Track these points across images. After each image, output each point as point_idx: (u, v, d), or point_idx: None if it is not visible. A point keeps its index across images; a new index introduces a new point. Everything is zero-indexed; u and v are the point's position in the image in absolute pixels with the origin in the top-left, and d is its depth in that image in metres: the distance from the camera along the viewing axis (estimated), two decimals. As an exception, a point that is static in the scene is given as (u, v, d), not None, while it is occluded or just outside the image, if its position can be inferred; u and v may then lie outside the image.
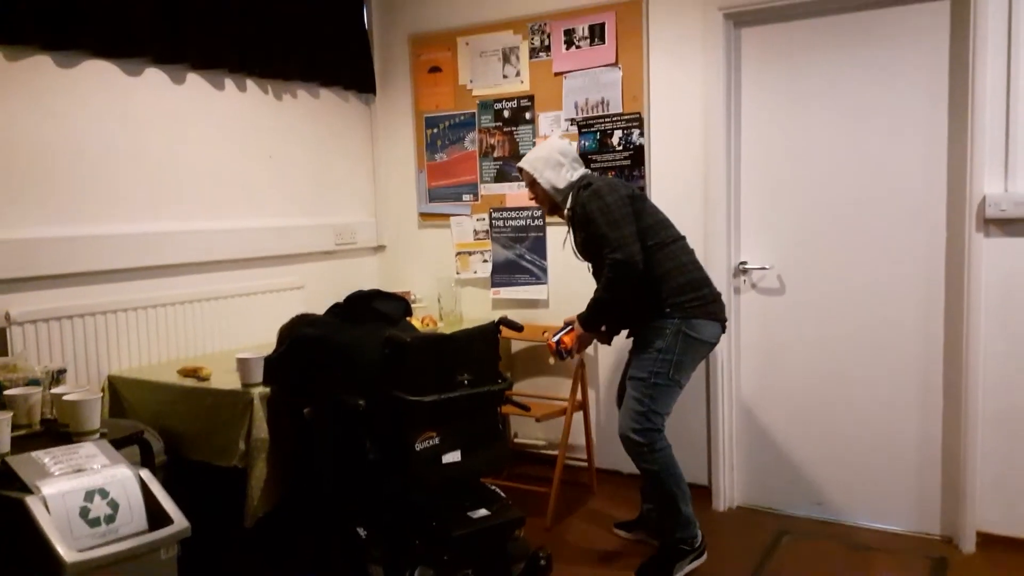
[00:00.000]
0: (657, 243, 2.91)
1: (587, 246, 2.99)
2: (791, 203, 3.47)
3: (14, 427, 2.20)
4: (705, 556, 3.05)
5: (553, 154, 3.02)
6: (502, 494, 2.73)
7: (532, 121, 3.94)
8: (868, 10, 3.24)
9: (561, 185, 2.99)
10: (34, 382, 2.48)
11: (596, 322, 3.03)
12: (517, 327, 3.06)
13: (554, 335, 3.10)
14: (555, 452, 3.74)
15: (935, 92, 3.16)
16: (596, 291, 2.95)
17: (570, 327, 3.08)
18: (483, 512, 2.62)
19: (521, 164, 3.10)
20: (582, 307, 3.03)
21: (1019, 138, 2.94)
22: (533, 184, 3.06)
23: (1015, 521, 3.07)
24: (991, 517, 3.10)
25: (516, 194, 3.99)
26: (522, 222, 4.01)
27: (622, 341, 3.22)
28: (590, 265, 3.06)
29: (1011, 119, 2.94)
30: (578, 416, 3.73)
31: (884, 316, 3.32)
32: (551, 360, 2.98)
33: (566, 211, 3.02)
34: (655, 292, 2.88)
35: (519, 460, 4.11)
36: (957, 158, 3.11)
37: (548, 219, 3.86)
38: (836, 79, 3.33)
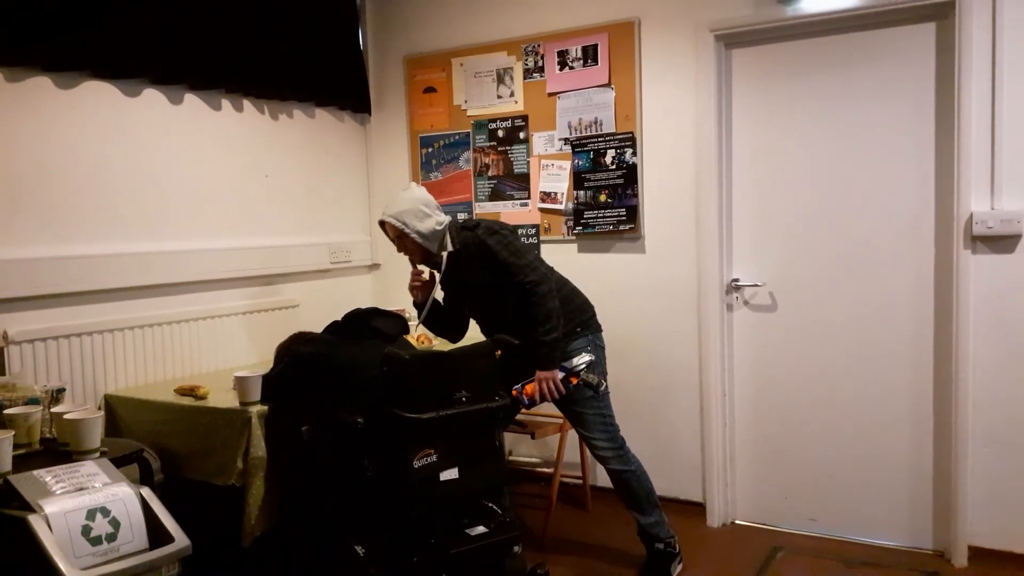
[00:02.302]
0: (548, 270, 3.03)
1: (487, 282, 2.94)
2: (782, 221, 3.52)
3: (14, 446, 2.20)
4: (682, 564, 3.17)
5: (417, 206, 2.95)
6: (499, 511, 2.74)
7: (526, 140, 3.99)
8: (855, 31, 3.31)
9: (429, 233, 2.95)
10: (33, 401, 2.48)
11: (552, 350, 2.87)
12: (513, 344, 3.08)
13: (516, 386, 2.92)
14: (550, 470, 3.75)
15: (922, 111, 3.22)
16: (536, 322, 2.84)
17: (530, 379, 2.91)
18: (481, 529, 2.63)
19: (385, 219, 2.96)
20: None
21: (1005, 156, 3.00)
22: (401, 237, 2.96)
23: (1006, 535, 3.10)
24: (982, 531, 3.13)
25: (511, 212, 4.03)
26: (516, 240, 4.04)
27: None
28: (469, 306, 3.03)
29: (996, 137, 3.00)
30: (572, 434, 3.74)
31: (875, 332, 3.36)
32: (522, 408, 2.99)
33: (446, 254, 2.97)
34: (563, 315, 2.93)
35: (514, 478, 4.11)
36: (944, 176, 3.17)
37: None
38: (825, 99, 3.39)
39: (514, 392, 2.90)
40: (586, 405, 3.01)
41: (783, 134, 3.49)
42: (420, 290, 3.09)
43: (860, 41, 3.31)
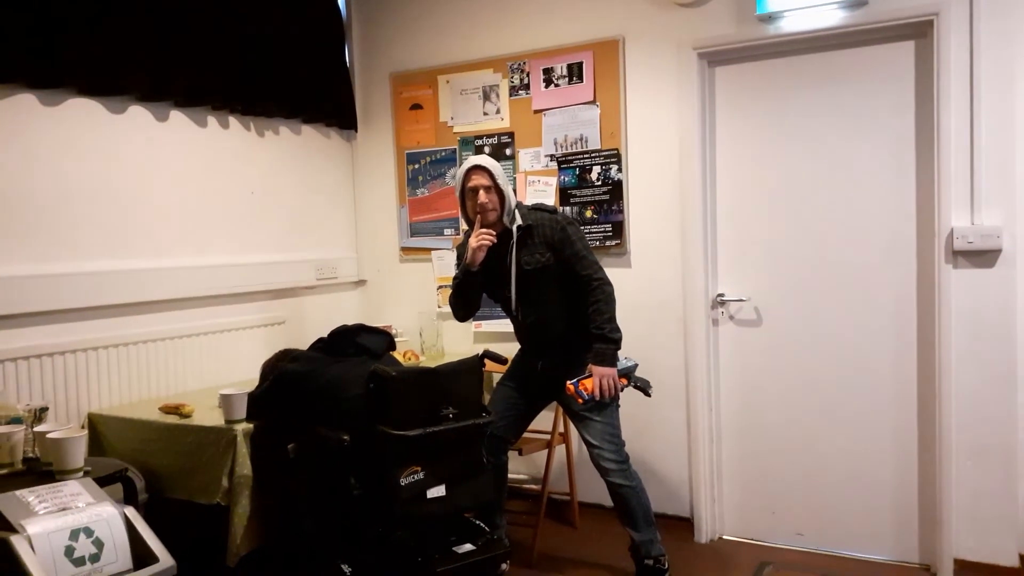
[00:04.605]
0: None
1: (543, 265, 2.95)
2: (767, 236, 3.55)
3: (-4, 466, 2.19)
4: None
5: (502, 171, 3.00)
6: (488, 528, 2.73)
7: (512, 157, 4.00)
8: (836, 50, 3.35)
9: (511, 197, 2.99)
10: (16, 420, 2.46)
11: (617, 348, 2.92)
12: (501, 360, 3.07)
13: (572, 380, 2.92)
14: (537, 487, 3.74)
15: (902, 128, 3.26)
16: (601, 317, 2.89)
17: (587, 374, 2.92)
18: (468, 547, 2.62)
19: (485, 164, 2.94)
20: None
21: (984, 172, 3.04)
22: (492, 189, 2.93)
23: (991, 548, 3.11)
24: (968, 544, 3.14)
25: (497, 229, 4.03)
26: (503, 256, 4.05)
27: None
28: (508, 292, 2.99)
29: (975, 153, 3.04)
30: (560, 450, 3.74)
31: (859, 347, 3.38)
32: (579, 401, 2.96)
33: (515, 227, 2.96)
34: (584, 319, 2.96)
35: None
36: (925, 192, 3.21)
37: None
38: (808, 116, 3.43)
39: (570, 387, 2.90)
40: (600, 413, 2.99)
41: (766, 150, 3.52)
42: (485, 251, 2.95)
43: (841, 59, 3.35)
